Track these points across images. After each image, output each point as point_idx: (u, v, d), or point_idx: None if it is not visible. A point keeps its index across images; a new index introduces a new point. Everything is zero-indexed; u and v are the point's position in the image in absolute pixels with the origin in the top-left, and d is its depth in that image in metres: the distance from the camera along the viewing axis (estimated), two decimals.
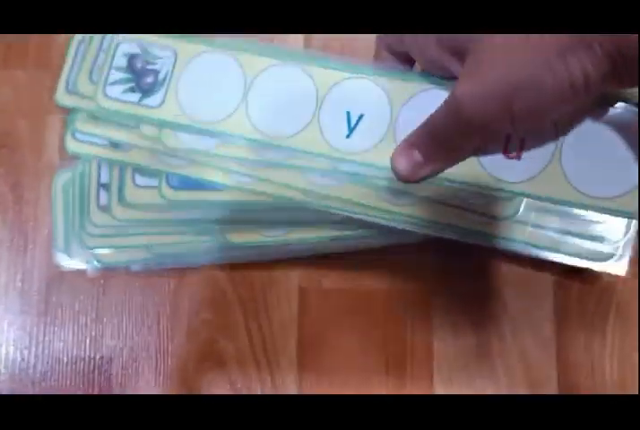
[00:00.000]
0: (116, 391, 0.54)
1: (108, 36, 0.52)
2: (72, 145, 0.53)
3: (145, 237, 0.54)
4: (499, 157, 0.44)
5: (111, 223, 0.53)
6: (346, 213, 0.48)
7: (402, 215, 0.48)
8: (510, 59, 0.34)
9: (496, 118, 0.36)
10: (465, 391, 0.53)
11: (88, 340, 0.54)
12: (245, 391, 0.54)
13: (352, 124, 0.47)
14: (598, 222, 0.51)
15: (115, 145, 0.52)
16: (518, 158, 0.45)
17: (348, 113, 0.47)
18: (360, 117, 0.47)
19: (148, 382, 0.54)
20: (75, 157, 0.53)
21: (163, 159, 0.50)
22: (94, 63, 0.53)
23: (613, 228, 0.51)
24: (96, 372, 0.54)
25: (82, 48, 0.54)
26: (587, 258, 0.51)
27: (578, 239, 0.51)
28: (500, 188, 0.44)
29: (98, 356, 0.54)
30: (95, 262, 0.54)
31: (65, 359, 0.54)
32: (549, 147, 0.44)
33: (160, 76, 0.49)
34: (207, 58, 0.48)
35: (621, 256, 0.51)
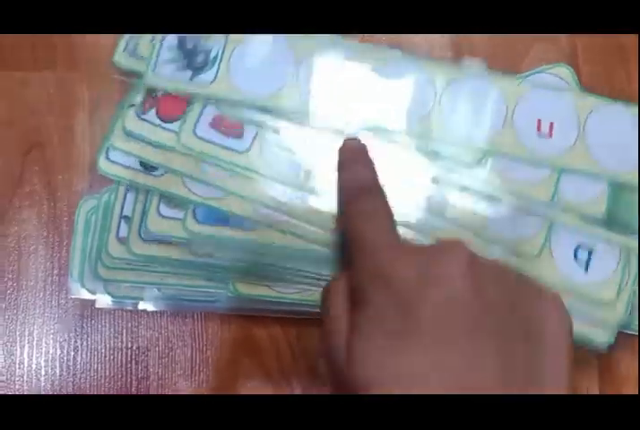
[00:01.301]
0: (153, 379, 0.54)
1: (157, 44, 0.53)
2: (104, 165, 0.52)
3: (159, 276, 0.52)
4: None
5: (127, 256, 0.52)
6: None
7: None
8: None
9: None
10: None
11: (124, 331, 0.55)
12: (280, 380, 0.55)
13: None
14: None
15: (147, 170, 0.52)
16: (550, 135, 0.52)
17: None
18: None
19: (184, 371, 0.55)
20: (106, 178, 0.53)
21: (194, 187, 0.51)
22: None
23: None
24: (133, 362, 0.54)
25: None
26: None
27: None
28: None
29: (134, 347, 0.55)
30: (106, 295, 0.53)
31: (103, 350, 0.54)
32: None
33: (212, 55, 0.51)
34: (258, 38, 0.52)
35: None
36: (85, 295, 0.53)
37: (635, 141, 0.52)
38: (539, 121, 0.53)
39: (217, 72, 0.51)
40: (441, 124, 0.51)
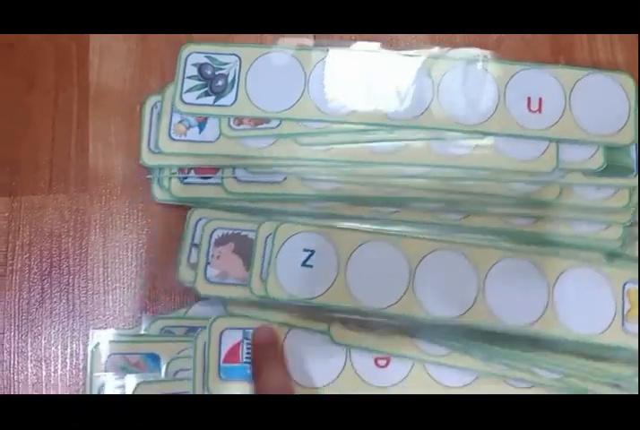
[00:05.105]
0: None
1: (180, 75, 0.58)
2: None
3: None
4: None
5: None
6: None
7: None
8: None
9: None
10: None
11: None
12: None
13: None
14: None
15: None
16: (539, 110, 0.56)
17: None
18: None
19: None
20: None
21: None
22: (170, 121, 0.58)
23: None
24: None
25: (155, 111, 0.59)
26: None
27: None
28: None
29: None
30: None
31: None
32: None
33: (229, 79, 0.57)
34: (267, 58, 0.58)
35: None
36: None
37: (616, 106, 0.57)
38: (528, 98, 0.57)
39: (236, 94, 0.57)
40: (441, 113, 0.56)
